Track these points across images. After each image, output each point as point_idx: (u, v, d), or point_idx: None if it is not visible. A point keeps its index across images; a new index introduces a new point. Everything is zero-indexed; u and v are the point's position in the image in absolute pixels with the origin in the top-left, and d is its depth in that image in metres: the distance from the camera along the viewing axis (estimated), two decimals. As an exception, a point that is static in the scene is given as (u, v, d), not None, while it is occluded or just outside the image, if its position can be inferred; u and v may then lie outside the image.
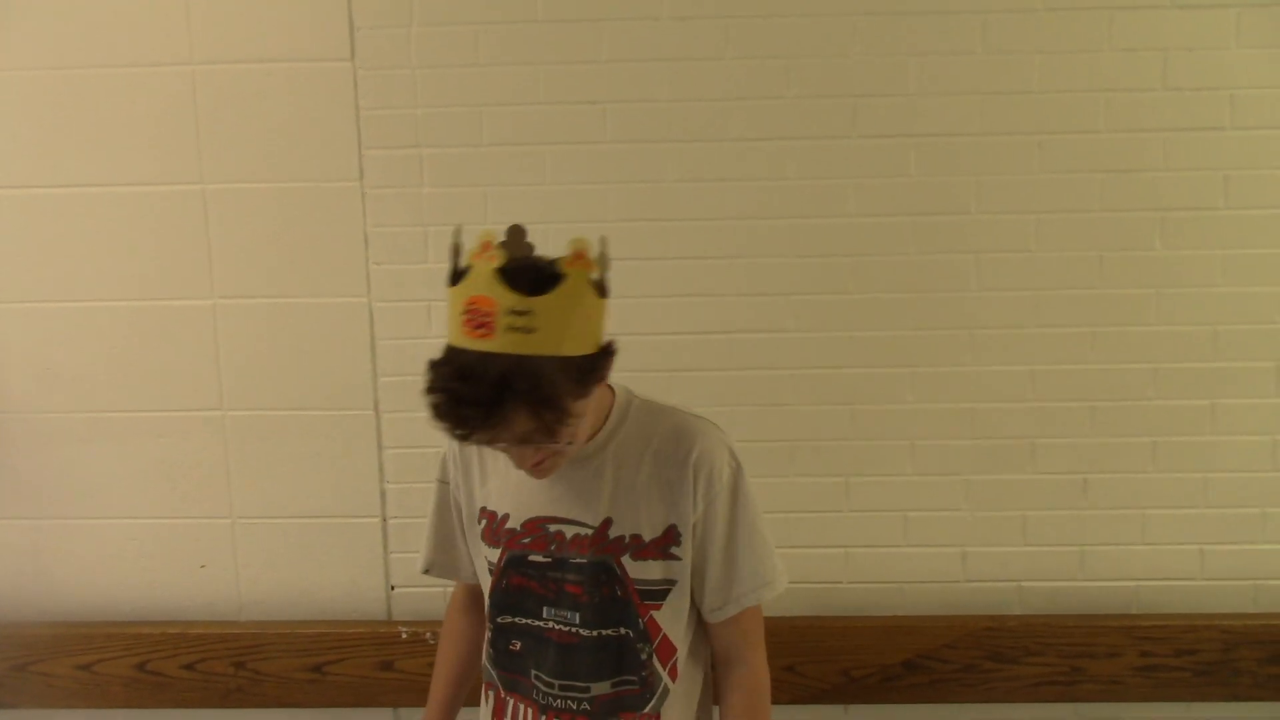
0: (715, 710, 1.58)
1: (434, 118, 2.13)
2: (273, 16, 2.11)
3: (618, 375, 1.52)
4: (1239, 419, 2.15)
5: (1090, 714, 2.21)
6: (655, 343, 2.16)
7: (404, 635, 2.20)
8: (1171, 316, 2.13)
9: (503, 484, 1.47)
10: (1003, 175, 2.11)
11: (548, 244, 2.10)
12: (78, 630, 2.25)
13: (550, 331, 1.22)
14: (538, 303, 1.21)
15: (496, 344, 1.21)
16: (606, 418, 1.44)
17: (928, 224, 2.13)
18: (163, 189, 2.16)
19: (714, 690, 1.56)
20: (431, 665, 2.17)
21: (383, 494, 2.23)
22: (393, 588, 2.26)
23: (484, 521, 1.49)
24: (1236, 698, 2.17)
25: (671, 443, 1.43)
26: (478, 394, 1.19)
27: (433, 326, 2.17)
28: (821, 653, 2.16)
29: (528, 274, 1.23)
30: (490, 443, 1.27)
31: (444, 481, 1.56)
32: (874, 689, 2.18)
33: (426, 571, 1.61)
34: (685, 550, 1.43)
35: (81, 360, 2.22)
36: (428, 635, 2.19)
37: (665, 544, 1.43)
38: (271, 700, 2.24)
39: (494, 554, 1.48)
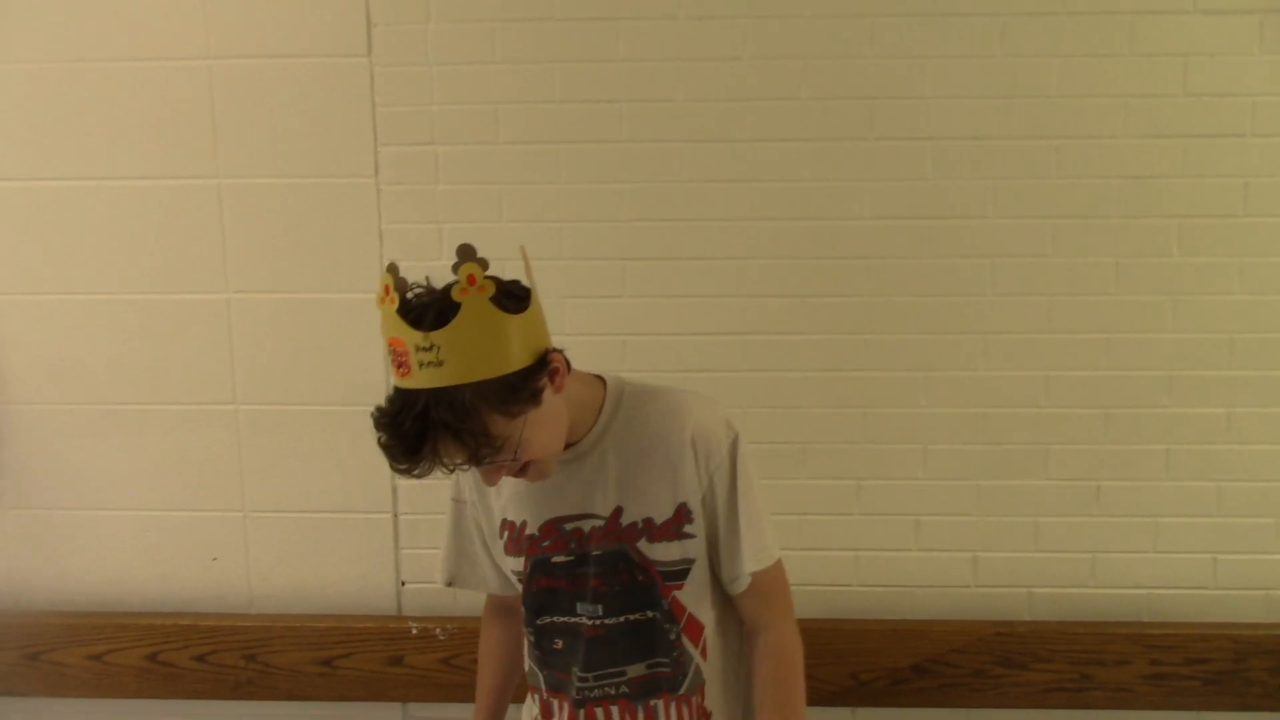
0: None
1: (450, 115, 2.13)
2: (289, 12, 2.11)
3: (629, 375, 1.52)
4: (1254, 428, 2.14)
5: (1099, 721, 2.21)
6: (667, 343, 2.16)
7: (414, 630, 2.21)
8: (1187, 324, 2.12)
9: (516, 493, 1.48)
10: (1019, 180, 2.10)
11: (561, 242, 2.12)
12: (90, 620, 2.26)
13: (458, 361, 1.24)
14: (438, 336, 1.23)
15: (414, 381, 1.25)
16: (600, 411, 1.46)
17: (943, 228, 2.12)
18: (178, 183, 2.17)
19: (753, 664, 1.56)
20: (442, 661, 2.19)
21: (394, 490, 2.24)
22: (403, 583, 2.27)
23: (505, 533, 1.51)
24: (1246, 708, 2.16)
25: (668, 422, 1.45)
26: (404, 431, 1.24)
27: (446, 324, 2.17)
28: (830, 655, 2.16)
29: (429, 309, 1.26)
30: (430, 473, 1.29)
31: (459, 500, 1.58)
32: (882, 692, 2.18)
33: (449, 584, 1.62)
34: (698, 527, 1.46)
35: (95, 353, 2.23)
36: (437, 631, 2.20)
37: (678, 524, 1.45)
38: (282, 693, 2.25)
39: (519, 563, 1.50)
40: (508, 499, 1.50)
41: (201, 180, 2.17)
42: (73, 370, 2.24)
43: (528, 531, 1.48)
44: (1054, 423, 2.16)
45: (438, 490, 1.59)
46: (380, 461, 2.22)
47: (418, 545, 2.24)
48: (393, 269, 1.30)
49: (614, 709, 1.49)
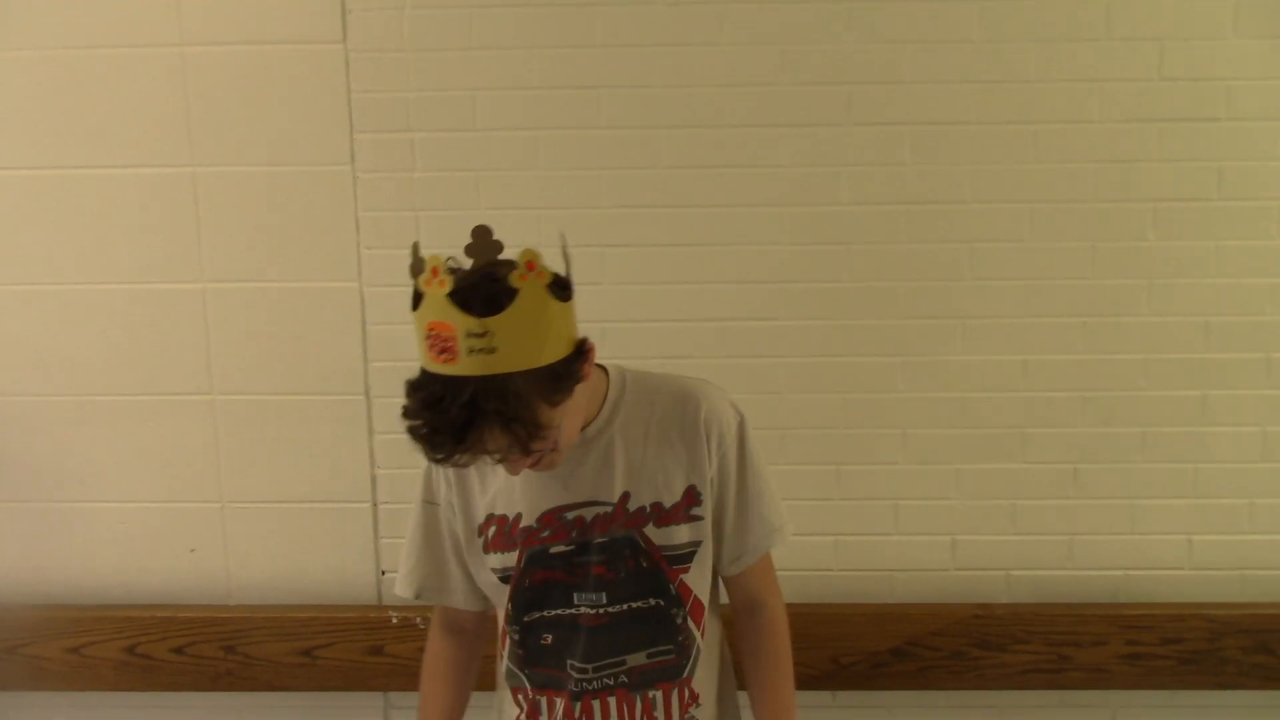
0: (726, 659, 1.63)
1: (426, 101, 2.11)
2: (264, -2, 2.09)
3: (625, 362, 1.53)
4: (1229, 410, 2.15)
5: (1076, 701, 2.23)
6: (647, 329, 2.15)
7: (394, 620, 2.21)
8: (1163, 307, 2.13)
9: (507, 485, 1.46)
10: (997, 164, 2.10)
11: (540, 230, 2.11)
12: (67, 613, 2.24)
13: (512, 348, 1.22)
14: (494, 322, 1.21)
15: (461, 368, 1.22)
16: (605, 397, 1.46)
17: (921, 212, 2.12)
18: (152, 171, 2.14)
19: (737, 635, 1.59)
20: (422, 650, 2.17)
21: (373, 479, 2.23)
22: (383, 572, 2.26)
23: (493, 529, 1.48)
24: (1222, 686, 2.18)
25: (678, 407, 1.46)
26: (449, 420, 1.22)
27: (424, 312, 2.15)
28: (811, 639, 2.16)
29: (480, 293, 1.23)
30: (470, 463, 1.29)
31: (432, 503, 1.54)
32: (862, 675, 2.20)
33: (417, 597, 1.58)
34: (706, 509, 1.47)
35: (70, 344, 2.20)
36: (418, 620, 2.19)
37: (687, 505, 1.45)
38: (261, 684, 2.24)
39: (509, 559, 1.48)
40: (496, 493, 1.48)
41: (175, 169, 2.14)
42: (46, 361, 2.21)
43: (523, 524, 1.46)
44: (1031, 406, 2.17)
45: (417, 480, 1.58)
46: (359, 451, 2.22)
47: (397, 535, 2.21)
48: (415, 249, 1.28)
49: (611, 701, 1.49)
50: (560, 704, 1.50)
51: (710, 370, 2.12)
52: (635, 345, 2.13)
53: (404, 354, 2.15)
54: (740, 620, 1.58)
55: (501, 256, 1.29)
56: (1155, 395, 2.16)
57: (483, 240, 1.26)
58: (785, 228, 2.13)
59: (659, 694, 1.49)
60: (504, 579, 1.49)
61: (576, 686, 1.49)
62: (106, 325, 2.19)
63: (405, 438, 2.16)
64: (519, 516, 1.47)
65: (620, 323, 2.15)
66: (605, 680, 1.48)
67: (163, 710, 2.29)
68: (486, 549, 1.50)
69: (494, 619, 1.60)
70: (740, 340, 2.16)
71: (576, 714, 1.49)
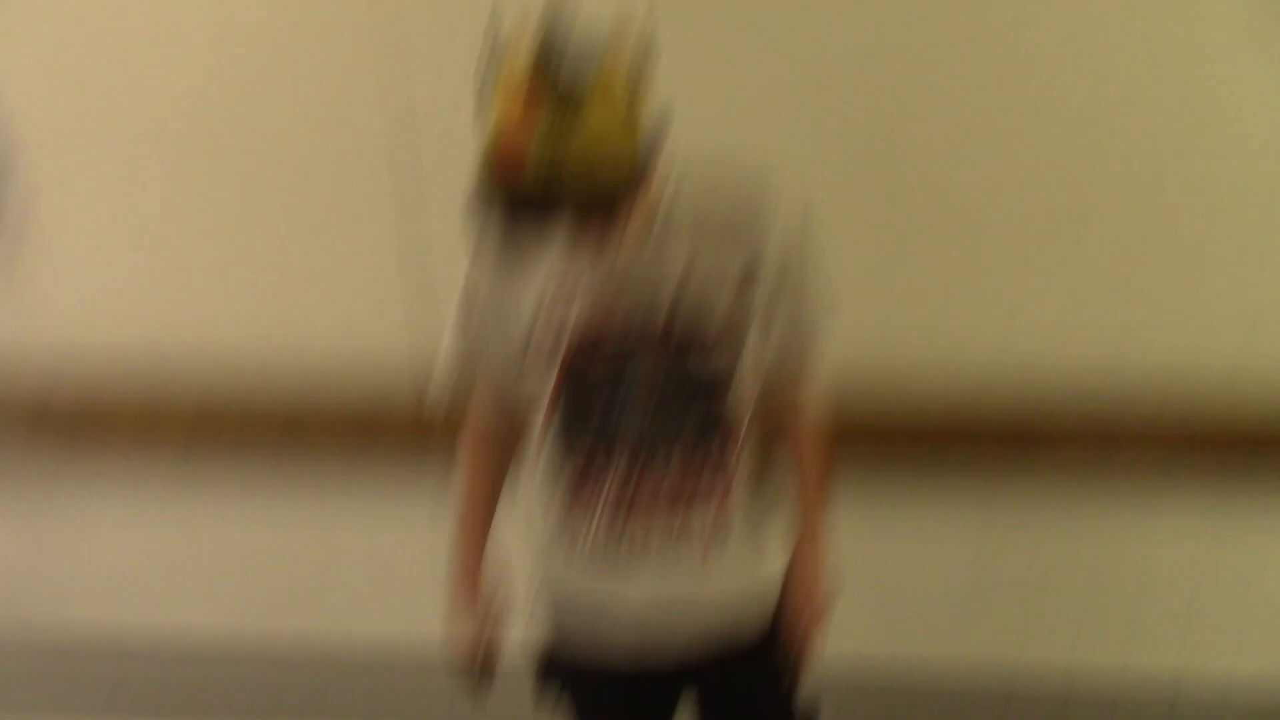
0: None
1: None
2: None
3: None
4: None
5: (1119, 502, 2.22)
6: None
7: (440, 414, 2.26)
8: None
9: (555, 297, 1.43)
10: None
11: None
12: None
13: (595, 130, 1.18)
14: (579, 102, 1.17)
15: (539, 151, 1.17)
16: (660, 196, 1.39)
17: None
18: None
19: (778, 448, 1.56)
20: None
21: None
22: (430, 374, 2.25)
23: (537, 338, 1.44)
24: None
25: (738, 203, 1.42)
26: (527, 203, 1.19)
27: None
28: (849, 438, 2.11)
29: (564, 73, 1.18)
30: (540, 247, 1.31)
31: (474, 304, 1.50)
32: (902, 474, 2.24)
33: (458, 390, 1.57)
34: (757, 304, 1.43)
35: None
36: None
37: (741, 302, 1.42)
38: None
39: (550, 370, 1.44)
40: (541, 303, 1.43)
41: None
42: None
43: (569, 334, 1.42)
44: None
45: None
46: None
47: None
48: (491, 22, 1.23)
49: (674, 451, 1.44)
50: (624, 452, 1.45)
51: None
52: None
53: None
54: (780, 434, 1.55)
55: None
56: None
57: (554, 20, 1.21)
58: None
59: (698, 512, 1.46)
60: (543, 391, 1.46)
61: (638, 442, 1.45)
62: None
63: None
64: (564, 325, 1.43)
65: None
66: (661, 449, 1.44)
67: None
68: (528, 358, 1.46)
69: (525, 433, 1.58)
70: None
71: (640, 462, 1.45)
